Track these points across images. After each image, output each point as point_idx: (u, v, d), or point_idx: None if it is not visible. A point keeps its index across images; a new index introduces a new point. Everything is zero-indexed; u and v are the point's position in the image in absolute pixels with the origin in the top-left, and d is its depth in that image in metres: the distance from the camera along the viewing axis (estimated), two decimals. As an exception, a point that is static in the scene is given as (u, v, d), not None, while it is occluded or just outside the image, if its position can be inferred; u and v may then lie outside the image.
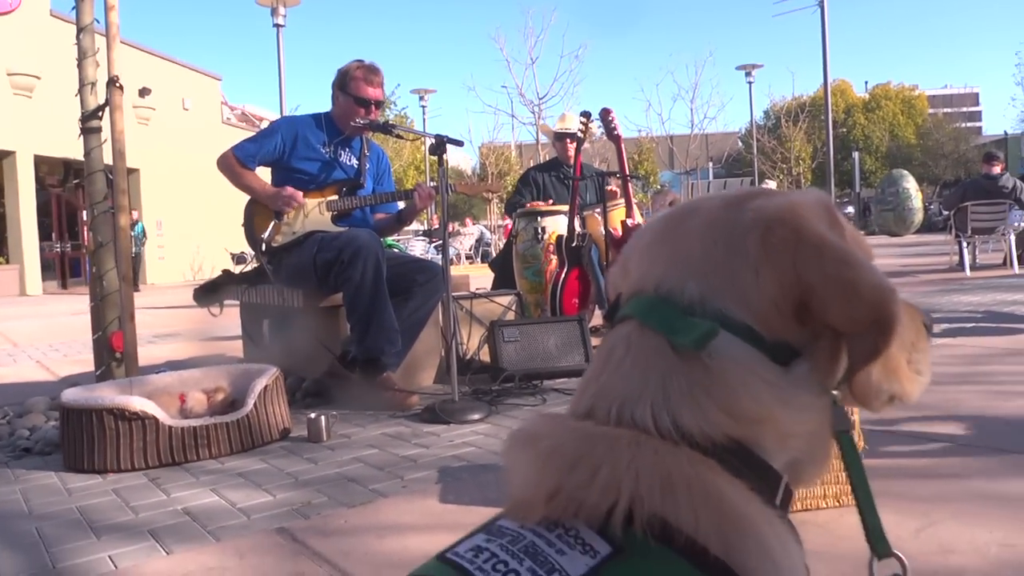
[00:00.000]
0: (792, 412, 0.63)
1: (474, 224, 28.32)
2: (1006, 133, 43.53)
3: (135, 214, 19.15)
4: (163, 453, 2.86)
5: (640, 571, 0.56)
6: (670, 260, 0.68)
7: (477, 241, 24.44)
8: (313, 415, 3.16)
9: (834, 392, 0.67)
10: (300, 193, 3.90)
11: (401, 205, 4.35)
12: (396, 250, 5.46)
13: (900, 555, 0.66)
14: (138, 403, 2.86)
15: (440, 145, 3.43)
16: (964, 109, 79.48)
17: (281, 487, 2.56)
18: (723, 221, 0.68)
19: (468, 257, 22.97)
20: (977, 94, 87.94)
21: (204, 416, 3.08)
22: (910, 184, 29.14)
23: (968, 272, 9.67)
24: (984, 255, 11.67)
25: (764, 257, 0.65)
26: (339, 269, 3.65)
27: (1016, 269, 9.57)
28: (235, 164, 3.98)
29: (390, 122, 3.95)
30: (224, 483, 2.64)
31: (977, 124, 77.14)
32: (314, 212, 3.93)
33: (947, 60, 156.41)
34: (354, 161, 4.12)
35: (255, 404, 3.09)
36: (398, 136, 3.96)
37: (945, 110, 67.51)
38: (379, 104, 4.05)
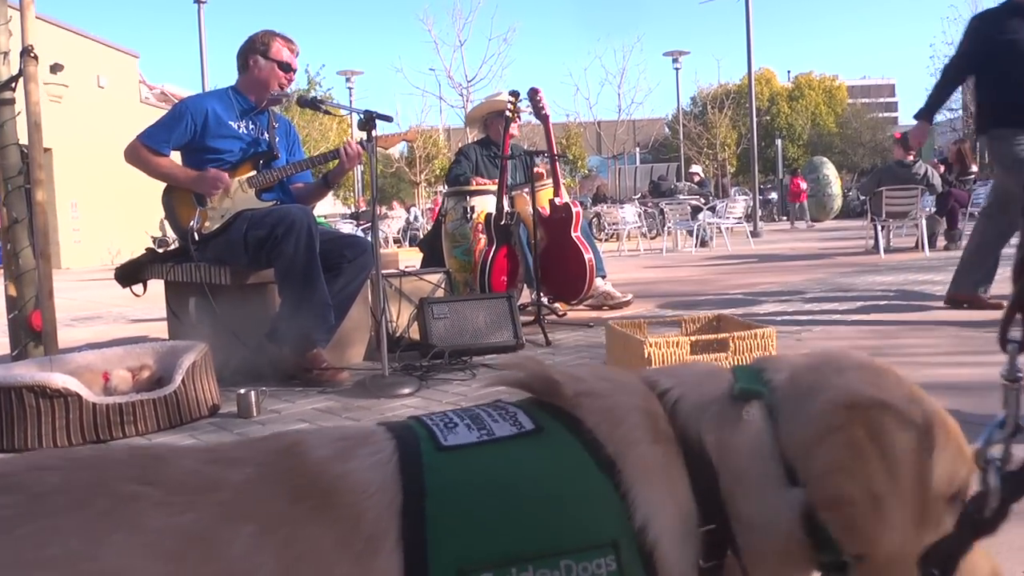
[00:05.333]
0: (766, 507, 0.73)
1: (401, 207, 28.10)
2: (919, 123, 45.07)
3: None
4: (87, 431, 2.81)
5: (546, 443, 0.72)
6: (791, 359, 0.83)
7: (406, 223, 24.26)
8: (243, 391, 3.14)
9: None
10: (225, 175, 3.83)
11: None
12: (325, 227, 5.39)
13: None
14: (60, 380, 2.80)
15: (369, 120, 3.42)
16: (881, 99, 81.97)
17: (210, 461, 2.54)
18: (832, 368, 0.79)
19: (396, 240, 22.83)
20: (893, 85, 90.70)
21: (130, 394, 3.03)
22: (830, 171, 30.10)
23: (882, 255, 10.04)
24: (898, 239, 12.14)
25: (823, 445, 0.72)
26: (272, 245, 3.60)
27: (927, 252, 9.98)
28: (147, 154, 3.84)
29: (317, 97, 3.90)
30: (151, 459, 2.60)
31: (893, 114, 79.61)
32: (238, 192, 3.86)
33: (866, 52, 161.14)
34: (265, 134, 4.05)
35: (183, 380, 3.06)
36: (326, 112, 3.93)
37: (863, 100, 69.49)
38: (295, 72, 4.02)
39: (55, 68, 20.75)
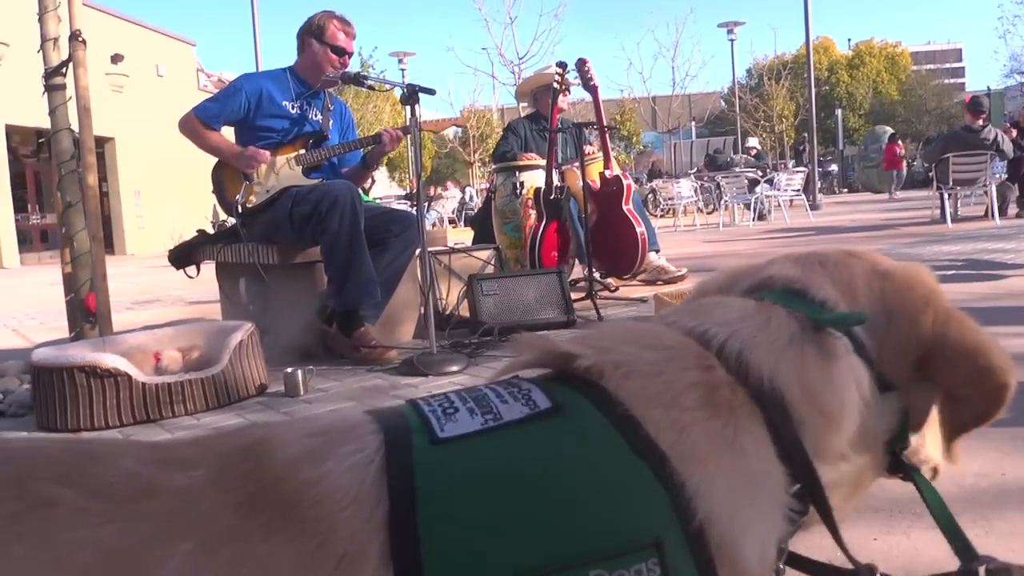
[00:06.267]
0: (860, 433, 0.68)
1: (456, 187, 28.10)
2: (989, 88, 43.55)
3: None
4: (137, 410, 2.82)
5: (565, 424, 0.60)
6: (806, 269, 0.76)
7: (460, 203, 24.27)
8: (290, 370, 3.13)
9: (912, 439, 0.74)
10: (265, 152, 3.83)
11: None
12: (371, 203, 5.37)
13: (987, 557, 0.70)
14: (110, 360, 2.82)
15: (412, 94, 3.37)
16: (947, 65, 79.28)
17: (256, 440, 2.53)
18: (855, 262, 0.76)
19: (451, 220, 22.86)
20: (960, 50, 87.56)
21: (180, 373, 3.05)
22: (893, 140, 29.20)
23: (950, 224, 9.68)
24: (966, 207, 11.70)
25: (900, 308, 0.72)
26: (316, 221, 3.60)
27: (998, 220, 9.59)
28: (198, 126, 3.89)
29: (361, 73, 3.87)
30: (199, 438, 2.61)
31: (960, 80, 77.00)
32: (284, 168, 3.87)
33: (930, 16, 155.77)
34: (318, 116, 4.05)
35: (230, 359, 3.06)
36: (369, 87, 3.90)
37: (928, 66, 67.35)
38: (350, 55, 3.98)
39: (116, 58, 21.20)
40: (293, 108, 3.97)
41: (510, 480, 0.56)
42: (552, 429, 0.60)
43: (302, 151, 3.93)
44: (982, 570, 0.67)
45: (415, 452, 0.57)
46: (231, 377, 3.05)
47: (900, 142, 26.73)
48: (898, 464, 0.73)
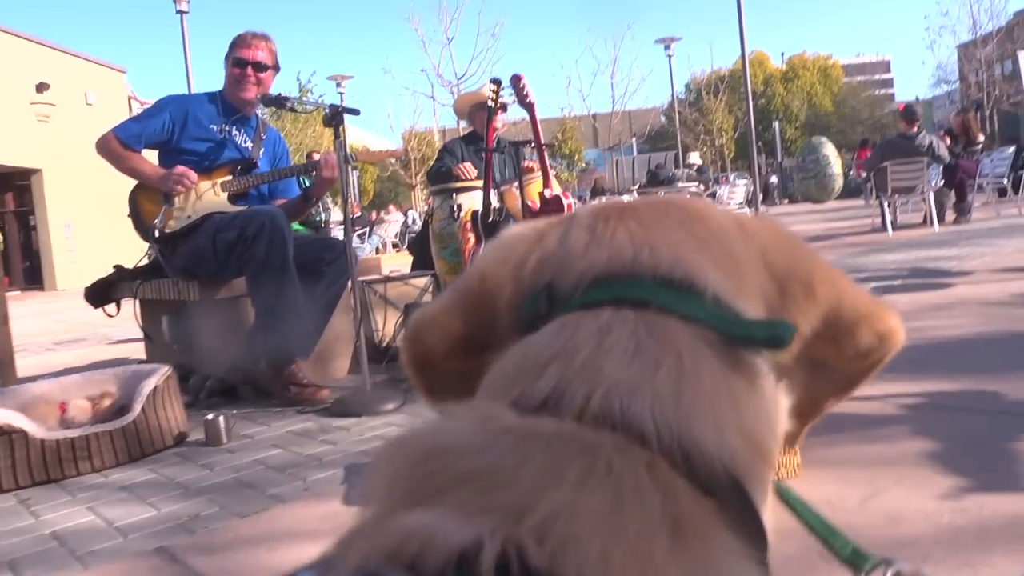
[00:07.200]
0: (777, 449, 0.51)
1: (398, 211, 27.77)
2: (917, 98, 44.81)
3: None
4: (36, 470, 2.55)
5: None
6: (669, 239, 0.54)
7: (403, 227, 23.98)
8: (211, 416, 2.88)
9: None
10: (192, 172, 3.58)
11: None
12: (299, 231, 5.11)
13: (885, 559, 0.55)
14: (1, 416, 2.54)
15: (336, 115, 3.16)
16: (877, 77, 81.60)
17: (168, 499, 2.29)
18: (720, 218, 0.58)
19: (394, 245, 22.55)
20: (888, 62, 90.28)
21: (87, 425, 2.78)
22: (829, 151, 29.72)
23: (890, 232, 9.75)
24: (904, 215, 11.83)
25: (789, 276, 0.57)
26: (242, 248, 3.34)
27: (937, 227, 9.68)
28: (118, 147, 3.62)
29: (283, 95, 3.63)
30: (104, 499, 2.35)
31: (890, 90, 79.31)
32: (208, 194, 3.61)
33: (859, 28, 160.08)
34: (248, 143, 3.82)
35: (143, 408, 2.80)
36: (291, 109, 3.66)
37: (859, 78, 69.16)
38: (261, 67, 3.73)
39: (41, 87, 20.49)
40: (220, 131, 3.74)
41: None
42: None
43: (228, 177, 3.68)
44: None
45: None
46: (144, 427, 2.78)
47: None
48: None
